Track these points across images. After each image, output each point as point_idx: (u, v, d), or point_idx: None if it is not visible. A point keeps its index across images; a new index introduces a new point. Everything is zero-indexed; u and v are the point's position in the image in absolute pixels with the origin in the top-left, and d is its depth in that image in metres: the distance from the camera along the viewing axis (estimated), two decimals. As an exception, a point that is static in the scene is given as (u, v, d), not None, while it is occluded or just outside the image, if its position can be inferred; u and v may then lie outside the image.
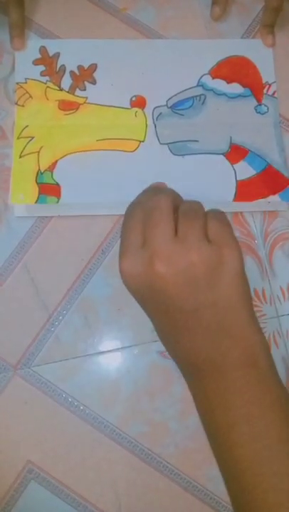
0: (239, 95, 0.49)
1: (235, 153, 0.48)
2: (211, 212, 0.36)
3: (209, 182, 0.47)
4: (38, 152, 0.46)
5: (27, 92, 0.47)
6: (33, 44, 0.48)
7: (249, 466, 0.31)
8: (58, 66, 0.48)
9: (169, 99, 0.48)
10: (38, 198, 0.45)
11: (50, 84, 0.48)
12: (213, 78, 0.49)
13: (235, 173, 0.47)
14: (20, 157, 0.46)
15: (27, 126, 0.47)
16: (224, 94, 0.49)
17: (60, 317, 0.45)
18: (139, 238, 0.34)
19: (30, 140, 0.46)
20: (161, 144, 0.47)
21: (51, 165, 0.46)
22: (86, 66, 0.48)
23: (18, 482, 0.42)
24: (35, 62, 0.48)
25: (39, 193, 0.45)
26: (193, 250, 0.32)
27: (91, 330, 0.45)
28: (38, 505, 0.42)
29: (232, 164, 0.47)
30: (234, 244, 0.33)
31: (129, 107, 0.48)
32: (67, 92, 0.48)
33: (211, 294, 0.32)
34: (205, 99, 0.49)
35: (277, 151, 0.48)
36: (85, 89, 0.48)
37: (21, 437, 0.43)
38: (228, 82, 0.49)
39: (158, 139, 0.48)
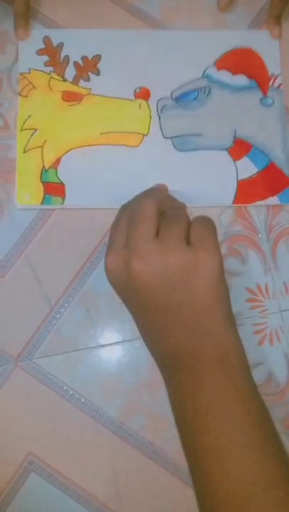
0: (244, 87, 0.48)
1: (239, 148, 0.47)
2: (196, 217, 0.37)
3: (210, 181, 0.47)
4: (42, 147, 0.46)
5: (30, 83, 0.47)
6: (37, 34, 0.48)
7: (209, 453, 0.32)
8: (62, 56, 0.48)
9: (174, 91, 0.48)
10: (43, 198, 0.45)
11: (53, 74, 0.47)
12: (218, 70, 0.48)
13: (237, 171, 0.47)
14: (24, 152, 0.46)
15: (30, 116, 0.46)
16: (229, 86, 0.48)
17: (62, 310, 0.45)
18: (123, 238, 0.35)
19: (34, 133, 0.46)
20: (165, 138, 0.47)
21: (55, 161, 0.46)
22: (90, 57, 0.48)
23: (18, 474, 0.42)
24: (39, 53, 0.48)
25: (44, 193, 0.45)
26: (170, 252, 0.33)
27: (93, 323, 0.45)
28: (39, 497, 0.42)
29: (234, 161, 0.47)
30: (213, 249, 0.34)
31: (134, 98, 0.48)
32: (71, 82, 0.47)
33: (186, 294, 0.34)
34: (210, 91, 0.48)
35: (281, 147, 0.47)
36: (89, 80, 0.48)
37: (22, 429, 0.43)
38: (233, 74, 0.48)
39: (162, 133, 0.47)
